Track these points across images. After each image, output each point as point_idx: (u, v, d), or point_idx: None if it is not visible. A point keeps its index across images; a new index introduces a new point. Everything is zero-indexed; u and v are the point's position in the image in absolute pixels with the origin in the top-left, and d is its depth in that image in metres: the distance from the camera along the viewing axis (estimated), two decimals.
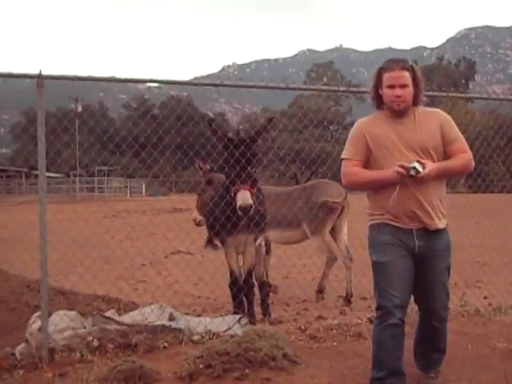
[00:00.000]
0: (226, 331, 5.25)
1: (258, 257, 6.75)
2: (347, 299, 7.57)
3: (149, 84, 5.84)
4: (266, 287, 7.04)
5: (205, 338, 5.09)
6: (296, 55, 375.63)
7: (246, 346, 4.39)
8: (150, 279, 8.93)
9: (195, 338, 5.10)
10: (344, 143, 4.02)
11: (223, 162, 5.86)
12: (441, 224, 3.83)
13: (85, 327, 5.03)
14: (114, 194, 50.51)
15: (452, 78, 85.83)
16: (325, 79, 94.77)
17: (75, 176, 52.86)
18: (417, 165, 3.63)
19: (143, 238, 11.62)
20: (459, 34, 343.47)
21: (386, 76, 3.80)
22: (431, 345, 4.13)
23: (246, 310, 6.21)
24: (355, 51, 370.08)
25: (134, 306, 6.47)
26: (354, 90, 7.32)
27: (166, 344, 4.93)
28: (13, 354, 4.77)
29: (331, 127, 70.98)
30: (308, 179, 8.92)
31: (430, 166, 3.68)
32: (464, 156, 3.88)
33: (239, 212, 5.64)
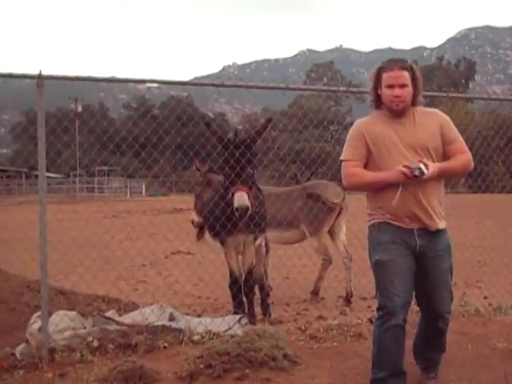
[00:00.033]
0: (226, 331, 5.25)
1: (258, 257, 6.76)
2: (347, 299, 7.57)
3: (149, 84, 5.84)
4: (266, 287, 7.04)
5: (205, 338, 5.09)
6: (296, 55, 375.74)
7: (247, 346, 4.39)
8: (151, 279, 8.93)
9: (195, 338, 5.10)
10: (344, 143, 4.00)
11: (221, 162, 5.87)
12: (441, 225, 3.83)
13: (85, 327, 5.04)
14: (114, 194, 50.50)
15: (452, 78, 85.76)
16: (325, 79, 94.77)
17: (75, 176, 52.87)
18: (421, 165, 3.62)
19: (143, 239, 11.62)
20: (459, 34, 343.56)
21: (385, 76, 3.78)
22: (433, 344, 4.12)
23: (246, 310, 6.21)
24: (355, 51, 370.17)
25: (134, 307, 6.47)
26: (354, 90, 7.32)
27: (166, 344, 4.93)
28: (13, 354, 4.77)
29: (331, 127, 71.02)
30: (308, 179, 8.91)
31: (433, 167, 3.67)
32: (463, 156, 3.87)
33: (236, 213, 5.65)
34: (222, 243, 6.33)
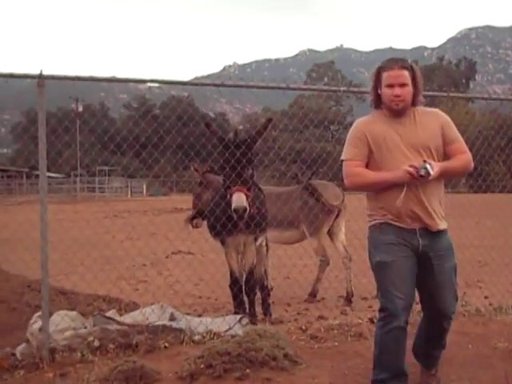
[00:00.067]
0: (226, 331, 5.25)
1: (259, 257, 6.76)
2: (348, 299, 7.57)
3: (150, 84, 5.84)
4: (266, 287, 7.05)
5: (206, 338, 5.09)
6: (297, 55, 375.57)
7: (247, 346, 4.39)
8: (151, 279, 8.93)
9: (196, 338, 5.10)
10: (345, 143, 3.97)
11: (221, 162, 5.87)
12: (441, 225, 3.80)
13: (86, 327, 5.04)
14: (114, 194, 50.52)
15: (452, 78, 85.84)
16: (325, 79, 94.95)
17: (76, 176, 52.88)
18: (428, 165, 3.60)
19: (144, 238, 11.63)
20: (460, 33, 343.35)
21: (385, 75, 3.76)
22: (435, 343, 4.10)
23: (246, 310, 6.21)
24: (356, 51, 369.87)
25: (134, 306, 6.47)
26: (355, 90, 7.33)
27: (166, 344, 4.93)
28: (13, 354, 4.77)
29: (332, 127, 71.11)
30: (309, 179, 8.90)
31: (437, 167, 3.66)
32: (464, 157, 3.86)
33: (233, 214, 5.66)
34: (223, 243, 6.34)
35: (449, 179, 3.92)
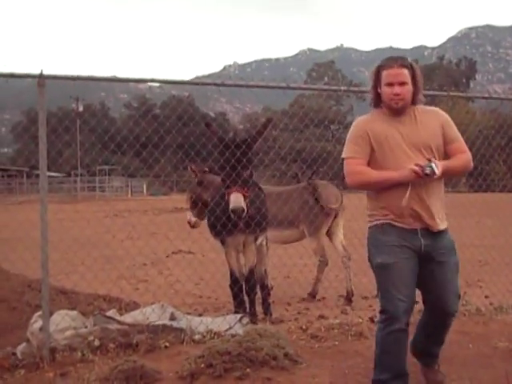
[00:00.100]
0: (227, 331, 5.25)
1: (259, 256, 6.76)
2: (348, 298, 7.58)
3: (150, 83, 5.86)
4: (267, 286, 7.05)
5: (206, 337, 5.09)
6: (297, 55, 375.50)
7: (247, 346, 4.39)
8: (152, 279, 8.93)
9: (196, 337, 5.11)
10: (345, 143, 3.95)
11: (219, 163, 5.87)
12: (442, 225, 3.79)
13: (86, 327, 5.04)
14: (115, 193, 50.50)
15: (453, 78, 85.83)
16: (326, 79, 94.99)
17: (76, 175, 52.87)
18: (433, 164, 3.58)
19: (144, 238, 11.63)
20: (460, 33, 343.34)
21: (384, 74, 3.73)
22: (435, 339, 4.08)
23: (247, 310, 6.22)
24: (356, 50, 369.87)
25: (135, 306, 6.48)
26: (355, 89, 7.32)
27: (167, 344, 4.93)
28: (14, 354, 4.77)
29: (332, 127, 71.06)
30: (309, 179, 8.90)
31: (441, 166, 3.63)
32: (464, 156, 3.84)
33: (231, 215, 5.66)
34: (223, 243, 6.34)
35: (449, 179, 3.89)
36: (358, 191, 4.50)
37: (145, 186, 51.18)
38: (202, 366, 4.26)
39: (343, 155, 3.86)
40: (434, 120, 3.83)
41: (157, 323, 5.12)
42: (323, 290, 7.86)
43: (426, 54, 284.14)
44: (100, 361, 4.62)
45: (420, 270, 3.77)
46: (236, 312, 6.05)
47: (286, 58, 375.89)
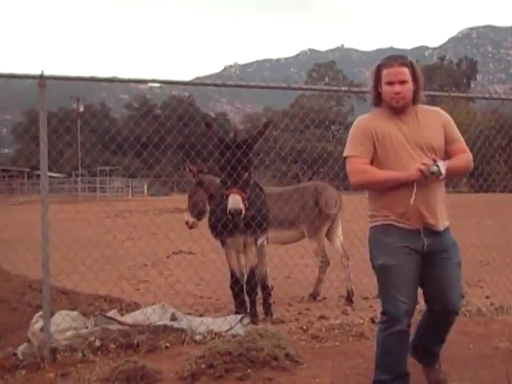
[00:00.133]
0: (227, 331, 5.25)
1: (260, 256, 6.76)
2: (349, 298, 7.57)
3: (150, 84, 5.86)
4: (268, 287, 7.05)
5: (207, 337, 5.09)
6: (297, 55, 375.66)
7: (248, 346, 4.39)
8: (152, 279, 8.93)
9: (197, 337, 5.11)
10: (346, 143, 3.91)
11: (219, 164, 5.87)
12: (444, 225, 3.77)
13: (87, 327, 5.04)
14: (115, 193, 50.51)
15: (453, 78, 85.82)
16: (326, 79, 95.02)
17: (77, 176, 52.90)
18: (439, 164, 3.57)
19: (145, 238, 11.64)
20: (461, 33, 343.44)
21: (384, 72, 3.71)
22: (437, 339, 4.05)
23: (247, 310, 6.22)
24: (357, 51, 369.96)
25: (135, 306, 6.47)
26: (356, 89, 7.33)
27: (167, 344, 4.93)
28: (15, 354, 4.77)
29: (333, 127, 71.13)
30: (310, 179, 8.93)
31: (445, 166, 3.61)
32: (465, 156, 3.83)
33: (229, 216, 5.66)
34: (223, 243, 6.35)
35: (449, 179, 3.86)
36: (358, 192, 4.48)
37: (145, 187, 51.18)
38: (203, 366, 4.26)
39: (346, 154, 3.81)
40: (435, 120, 3.81)
41: (157, 324, 5.12)
42: (324, 290, 7.86)
43: (426, 54, 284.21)
44: (101, 361, 4.62)
45: (422, 268, 3.74)
46: (237, 312, 6.05)
47: (286, 59, 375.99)
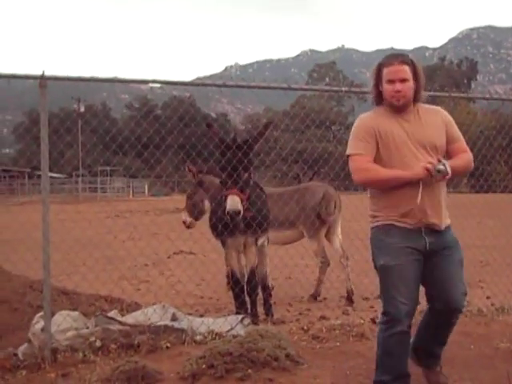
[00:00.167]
0: (228, 331, 5.25)
1: (260, 257, 6.76)
2: (349, 298, 7.57)
3: (151, 84, 5.85)
4: (268, 287, 7.05)
5: (207, 338, 5.09)
6: (298, 55, 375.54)
7: (249, 347, 4.39)
8: (153, 279, 8.94)
9: (198, 338, 5.11)
10: (346, 143, 3.88)
11: (219, 164, 5.87)
12: (446, 223, 3.76)
13: (87, 327, 5.04)
14: (116, 194, 50.53)
15: (454, 78, 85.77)
16: (327, 79, 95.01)
17: (78, 176, 52.91)
18: (446, 163, 3.56)
19: (146, 238, 11.63)
20: (461, 34, 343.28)
21: (385, 71, 3.68)
22: (439, 340, 4.02)
23: (248, 311, 6.22)
24: (357, 51, 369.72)
25: (136, 307, 6.47)
26: (356, 90, 7.34)
27: (168, 344, 4.93)
28: (15, 355, 4.77)
29: (333, 127, 71.12)
30: (311, 179, 8.94)
31: (450, 165, 3.60)
32: (466, 156, 3.82)
33: (227, 217, 5.66)
34: (223, 244, 6.35)
35: (450, 179, 3.84)
36: (360, 192, 4.47)
37: (146, 187, 51.19)
38: (204, 366, 4.26)
39: (348, 152, 3.77)
40: (437, 119, 3.80)
41: (158, 324, 5.13)
42: (325, 290, 7.86)
43: (427, 54, 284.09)
44: (101, 361, 4.62)
45: (424, 265, 3.72)
46: (237, 313, 6.05)
47: (287, 59, 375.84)
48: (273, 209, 7.08)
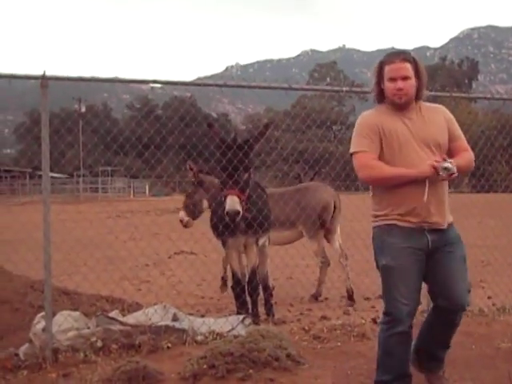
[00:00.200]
0: (229, 331, 5.25)
1: (261, 257, 6.76)
2: (349, 296, 7.56)
3: (152, 84, 5.85)
4: (269, 287, 7.05)
5: (208, 338, 5.09)
6: (299, 55, 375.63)
7: (250, 347, 4.39)
8: (154, 279, 8.94)
9: (199, 338, 5.11)
10: (348, 143, 3.87)
11: (219, 164, 5.86)
12: (448, 221, 3.73)
13: (88, 328, 5.04)
14: (117, 194, 50.56)
15: (455, 78, 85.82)
16: (328, 79, 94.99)
17: (79, 176, 52.94)
18: (453, 162, 3.54)
19: (147, 238, 11.62)
20: (462, 33, 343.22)
21: (387, 69, 3.66)
22: (442, 342, 3.97)
23: (249, 311, 6.22)
24: (358, 51, 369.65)
25: (137, 307, 6.47)
26: (357, 90, 7.33)
27: (169, 344, 4.93)
28: (16, 355, 4.77)
29: (334, 127, 71.10)
30: (312, 179, 8.95)
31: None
32: (467, 154, 3.80)
33: (226, 217, 5.66)
34: (224, 244, 6.35)
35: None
36: (361, 192, 4.47)
37: (147, 187, 51.19)
38: (205, 366, 4.26)
39: (353, 149, 3.72)
40: (439, 117, 3.78)
41: (159, 324, 5.13)
42: (326, 290, 7.86)
43: (428, 54, 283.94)
44: (102, 362, 4.62)
45: (427, 263, 3.69)
46: (238, 313, 6.06)
47: (288, 59, 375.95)
48: (274, 209, 7.08)
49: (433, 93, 6.06)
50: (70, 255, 8.30)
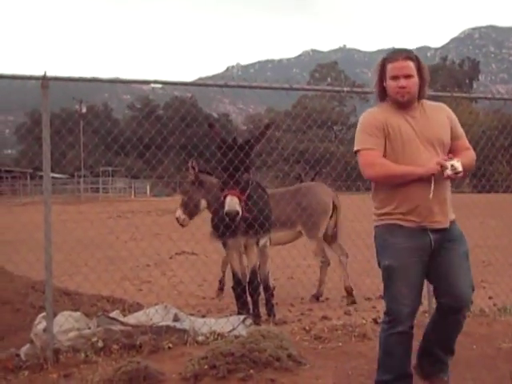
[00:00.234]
0: (230, 332, 5.24)
1: (262, 257, 6.76)
2: (348, 293, 7.55)
3: (153, 85, 5.85)
4: (270, 288, 7.05)
5: (209, 338, 5.09)
6: (300, 56, 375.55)
7: (251, 347, 4.39)
8: (155, 280, 8.94)
9: (200, 338, 5.10)
10: (348, 143, 3.87)
11: (219, 165, 5.86)
12: (450, 219, 3.71)
13: (89, 328, 5.04)
14: (118, 194, 50.57)
15: (456, 78, 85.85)
16: (329, 79, 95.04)
17: (80, 177, 52.92)
18: (459, 160, 3.53)
19: (148, 239, 11.62)
20: (463, 33, 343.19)
21: (389, 67, 3.63)
22: (445, 344, 3.91)
23: (250, 311, 6.22)
24: (359, 51, 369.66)
25: (138, 307, 6.48)
26: (358, 90, 7.34)
27: (170, 345, 4.93)
28: (17, 355, 4.77)
29: (335, 127, 71.16)
30: (312, 179, 8.93)
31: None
32: (469, 153, 3.79)
33: (226, 218, 5.66)
34: (224, 245, 6.35)
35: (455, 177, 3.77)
36: (360, 192, 4.46)
37: (148, 187, 51.21)
38: (206, 367, 4.26)
39: (357, 147, 3.68)
40: (442, 115, 3.76)
41: (160, 324, 5.12)
42: (327, 290, 7.87)
43: (429, 54, 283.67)
44: (103, 362, 4.62)
45: (429, 261, 3.67)
46: (239, 313, 6.06)
47: (288, 59, 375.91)
48: (274, 209, 7.08)
49: (434, 93, 6.06)
50: (70, 255, 8.30)
